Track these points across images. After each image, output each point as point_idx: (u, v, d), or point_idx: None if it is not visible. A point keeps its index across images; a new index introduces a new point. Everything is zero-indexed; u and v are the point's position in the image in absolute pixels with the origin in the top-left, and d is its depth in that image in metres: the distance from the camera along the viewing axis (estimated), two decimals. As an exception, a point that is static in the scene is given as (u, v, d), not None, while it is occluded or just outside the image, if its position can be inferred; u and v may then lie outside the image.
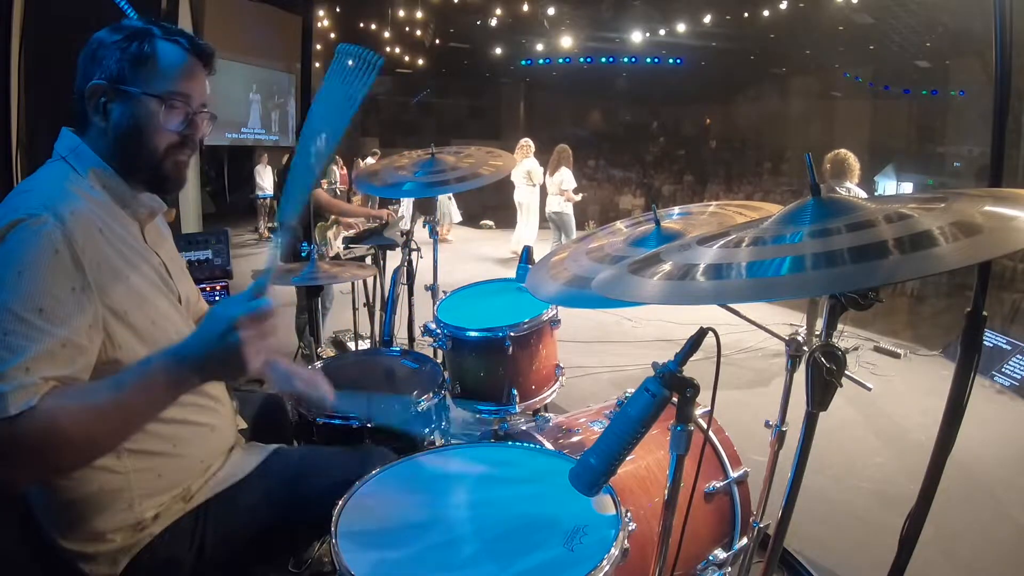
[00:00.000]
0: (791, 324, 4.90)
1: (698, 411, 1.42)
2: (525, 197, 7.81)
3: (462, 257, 8.62)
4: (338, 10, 12.61)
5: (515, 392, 2.09)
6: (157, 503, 1.15)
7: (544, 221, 7.49)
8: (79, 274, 0.98)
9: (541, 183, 7.47)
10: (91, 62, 1.09)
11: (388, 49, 14.02)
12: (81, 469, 1.03)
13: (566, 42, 13.31)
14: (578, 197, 7.08)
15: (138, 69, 1.08)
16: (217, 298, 3.37)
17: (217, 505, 1.21)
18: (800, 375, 0.98)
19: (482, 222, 11.30)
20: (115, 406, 0.91)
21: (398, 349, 2.08)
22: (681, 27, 12.14)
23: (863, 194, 3.85)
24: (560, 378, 2.24)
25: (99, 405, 0.90)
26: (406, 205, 6.37)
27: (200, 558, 1.17)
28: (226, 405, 1.32)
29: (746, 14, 11.39)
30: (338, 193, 9.46)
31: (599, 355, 4.51)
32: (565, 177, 6.87)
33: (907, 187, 11.00)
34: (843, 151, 4.35)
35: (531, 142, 7.57)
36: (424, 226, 2.63)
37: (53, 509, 1.11)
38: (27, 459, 0.88)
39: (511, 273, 2.34)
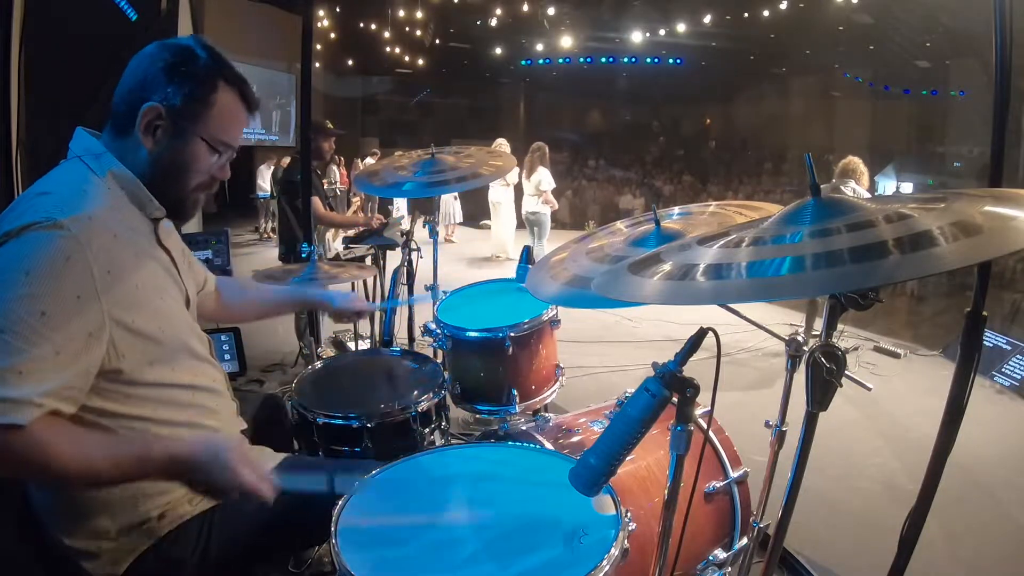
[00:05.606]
0: (791, 324, 4.90)
1: (698, 411, 1.43)
2: (500, 197, 7.66)
3: (463, 257, 8.62)
4: (338, 10, 12.63)
5: (515, 392, 2.09)
6: (163, 504, 1.15)
7: (521, 221, 7.27)
8: (87, 282, 0.98)
9: (516, 183, 7.23)
10: (152, 80, 1.09)
11: (388, 49, 14.04)
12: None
13: (566, 42, 13.31)
14: (555, 202, 6.68)
15: (199, 110, 1.11)
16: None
17: (223, 509, 1.21)
18: (800, 375, 0.98)
19: (483, 222, 11.29)
20: (106, 469, 0.98)
21: (398, 349, 2.08)
22: (681, 27, 12.15)
23: (866, 194, 4.02)
24: (560, 378, 2.24)
25: (91, 459, 0.97)
26: (405, 205, 6.36)
27: (204, 561, 1.17)
28: (229, 407, 1.32)
29: (746, 14, 11.40)
30: (338, 193, 9.44)
31: (599, 355, 4.51)
32: (543, 177, 6.54)
33: (907, 187, 11.00)
34: (855, 159, 4.49)
35: (504, 141, 6.84)
36: (424, 226, 2.63)
37: (57, 507, 1.11)
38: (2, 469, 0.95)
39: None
